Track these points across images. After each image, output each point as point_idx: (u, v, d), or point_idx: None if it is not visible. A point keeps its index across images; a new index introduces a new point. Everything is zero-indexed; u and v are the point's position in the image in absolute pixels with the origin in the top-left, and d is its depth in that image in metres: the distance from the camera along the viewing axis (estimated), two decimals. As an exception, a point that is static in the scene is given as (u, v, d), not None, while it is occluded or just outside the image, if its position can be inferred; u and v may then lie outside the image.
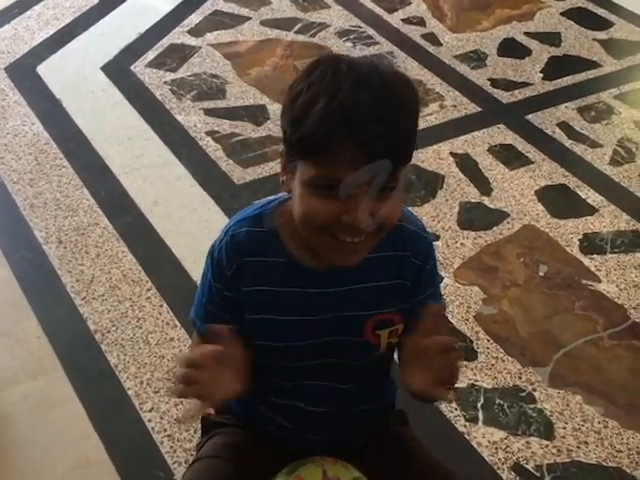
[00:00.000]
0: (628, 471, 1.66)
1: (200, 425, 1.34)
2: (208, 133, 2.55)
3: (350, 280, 1.11)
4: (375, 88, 0.97)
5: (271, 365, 1.15)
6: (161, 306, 1.98)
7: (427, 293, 1.15)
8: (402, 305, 1.13)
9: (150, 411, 1.74)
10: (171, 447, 1.68)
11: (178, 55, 2.93)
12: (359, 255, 1.04)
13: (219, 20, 3.15)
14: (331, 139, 0.95)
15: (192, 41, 3.01)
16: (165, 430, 1.71)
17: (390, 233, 1.05)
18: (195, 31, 3.07)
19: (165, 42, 3.00)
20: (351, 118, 0.95)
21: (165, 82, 2.78)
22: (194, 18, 3.15)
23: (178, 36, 3.04)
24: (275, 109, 2.66)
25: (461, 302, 2.00)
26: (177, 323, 1.94)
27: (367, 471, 1.18)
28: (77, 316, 1.95)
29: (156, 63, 2.88)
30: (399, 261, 1.12)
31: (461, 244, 2.15)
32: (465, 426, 1.73)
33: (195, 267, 2.08)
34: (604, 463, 1.67)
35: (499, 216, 2.26)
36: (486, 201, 2.31)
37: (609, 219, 2.27)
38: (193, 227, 2.21)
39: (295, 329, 1.12)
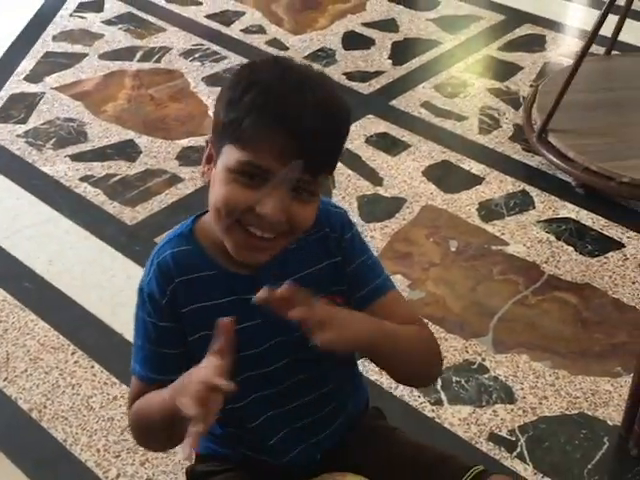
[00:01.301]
0: (590, 413, 1.75)
1: (186, 478, 1.29)
2: (82, 179, 2.43)
3: (284, 275, 1.08)
4: (319, 92, 1.00)
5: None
6: (92, 367, 1.87)
7: (359, 261, 1.15)
8: (340, 286, 1.13)
9: (117, 478, 1.64)
10: (152, 508, 1.60)
11: (22, 105, 2.77)
12: (267, 253, 1.05)
13: (54, 61, 3.00)
14: (265, 126, 0.97)
15: (32, 88, 2.86)
16: (140, 493, 1.62)
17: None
18: (32, 77, 2.92)
19: (3, 94, 2.83)
20: (290, 110, 0.97)
21: (18, 135, 2.62)
22: (26, 64, 2.99)
23: (16, 85, 2.88)
24: (143, 141, 2.58)
25: (389, 293, 2.02)
26: (115, 380, 1.84)
27: (359, 469, 1.18)
28: (4, 399, 1.80)
29: (1, 117, 2.71)
30: (322, 241, 1.13)
31: (371, 237, 2.18)
32: (433, 410, 1.76)
33: (115, 319, 1.98)
34: (567, 412, 1.75)
35: (397, 203, 2.31)
36: (381, 191, 2.36)
37: (496, 185, 2.38)
38: (99, 278, 2.11)
39: (243, 338, 1.08)
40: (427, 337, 1.18)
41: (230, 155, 1.00)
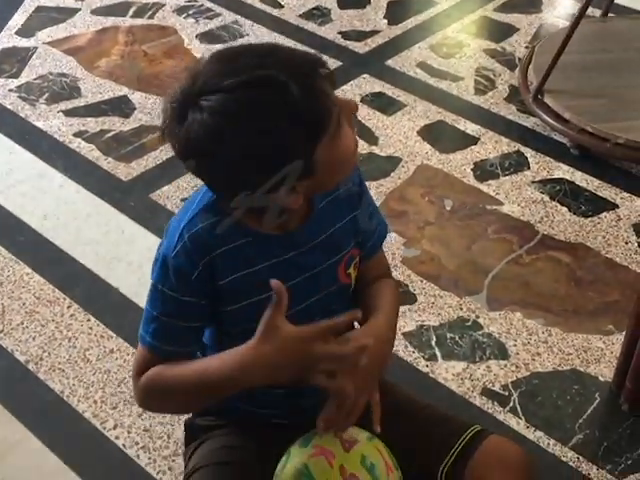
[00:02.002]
0: (582, 369, 1.77)
1: (184, 431, 1.30)
2: (76, 135, 2.41)
3: (318, 231, 1.13)
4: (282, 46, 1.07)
5: None
6: (88, 320, 1.88)
7: (369, 212, 1.21)
8: (357, 238, 1.19)
9: (115, 428, 1.66)
10: (149, 458, 1.61)
11: (15, 59, 2.74)
12: None
13: (46, 16, 2.96)
14: (318, 99, 0.99)
15: (24, 42, 2.82)
16: (137, 443, 1.63)
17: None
18: (24, 31, 2.88)
19: (-5, 48, 2.80)
20: (305, 69, 1.00)
21: (11, 90, 2.60)
22: (18, 18, 2.95)
23: (7, 39, 2.84)
24: (137, 97, 2.56)
25: (385, 251, 2.02)
26: (112, 334, 1.85)
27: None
28: (1, 351, 1.81)
29: (-7, 72, 2.68)
30: (348, 195, 1.16)
31: (367, 195, 2.18)
32: (427, 366, 1.78)
33: (111, 273, 1.99)
34: (559, 368, 1.78)
35: (392, 162, 2.31)
36: (376, 150, 2.36)
37: (491, 145, 2.38)
38: (94, 234, 2.10)
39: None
40: (398, 290, 1.28)
41: (328, 132, 1.00)
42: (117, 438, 1.64)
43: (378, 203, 2.15)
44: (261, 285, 1.07)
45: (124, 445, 1.63)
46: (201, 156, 1.00)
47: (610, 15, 2.77)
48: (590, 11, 2.68)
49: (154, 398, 1.13)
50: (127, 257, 2.03)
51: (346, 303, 1.19)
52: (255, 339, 1.01)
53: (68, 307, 1.91)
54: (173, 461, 1.60)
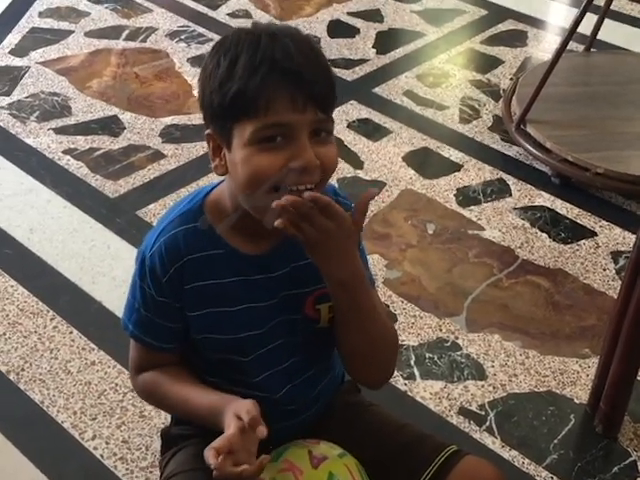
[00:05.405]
0: (558, 391, 1.80)
1: (161, 440, 1.31)
2: (65, 152, 2.44)
3: (290, 260, 1.13)
4: (293, 36, 1.02)
5: (220, 359, 1.16)
6: (71, 333, 1.89)
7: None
8: None
9: (93, 439, 1.67)
10: (127, 469, 1.61)
11: (7, 78, 2.77)
12: None
13: (40, 37, 3.01)
14: (264, 87, 0.98)
15: (18, 62, 2.86)
16: (115, 454, 1.64)
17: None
18: (18, 51, 2.92)
19: (-12, 67, 2.83)
20: (279, 62, 0.98)
21: (2, 107, 2.63)
22: (12, 38, 2.99)
23: (1, 58, 2.88)
24: (127, 117, 2.60)
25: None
26: (93, 346, 1.86)
27: (338, 444, 1.21)
28: (-18, 361, 1.82)
29: (-15, 89, 2.71)
30: None
31: (350, 218, 2.21)
32: (405, 384, 1.80)
33: (95, 287, 2.00)
34: (536, 389, 1.80)
35: (377, 186, 2.34)
36: (361, 174, 2.39)
37: (474, 172, 2.42)
38: (79, 248, 2.12)
39: (245, 319, 1.13)
40: (395, 332, 1.18)
41: (244, 131, 0.99)
42: (95, 449, 1.65)
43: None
44: (224, 298, 1.11)
45: (102, 456, 1.63)
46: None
47: (592, 50, 2.83)
48: (574, 46, 2.76)
49: (150, 402, 1.27)
50: (112, 272, 2.04)
51: (314, 340, 1.17)
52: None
53: (51, 319, 1.92)
54: (151, 472, 1.60)
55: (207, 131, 1.06)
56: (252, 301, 1.12)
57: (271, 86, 0.98)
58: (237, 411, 1.03)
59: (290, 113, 0.98)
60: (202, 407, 1.12)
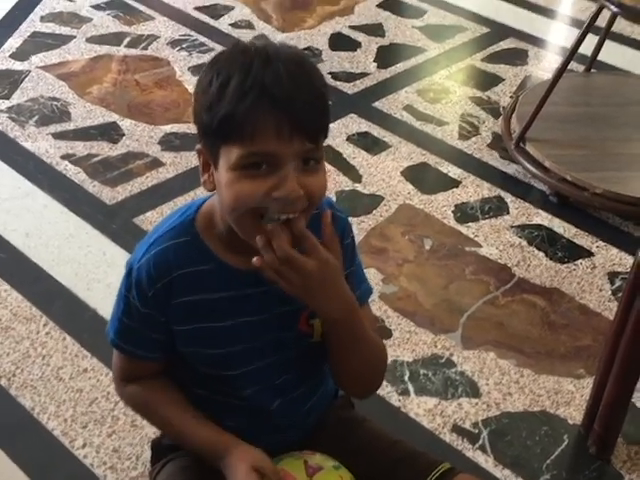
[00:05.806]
0: (551, 411, 1.79)
1: (151, 451, 1.30)
2: (63, 157, 2.43)
3: None
4: (287, 60, 0.99)
5: (208, 373, 1.15)
6: (64, 339, 1.88)
7: (351, 269, 1.15)
8: None
9: (83, 447, 1.65)
10: (117, 478, 1.60)
11: (7, 81, 2.77)
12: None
13: (41, 41, 3.00)
14: (252, 113, 0.96)
15: (18, 66, 2.86)
16: (105, 463, 1.62)
17: (312, 220, 1.04)
18: (19, 55, 2.92)
19: (-12, 70, 2.83)
20: (269, 89, 0.96)
21: (1, 110, 2.62)
22: (13, 42, 2.99)
23: (1, 62, 2.87)
24: (127, 124, 2.59)
25: (363, 285, 2.05)
26: (86, 353, 1.85)
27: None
28: (-26, 365, 1.81)
29: (-16, 92, 2.71)
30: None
31: (348, 231, 2.21)
32: (399, 400, 1.79)
33: (89, 294, 1.99)
34: (529, 409, 1.79)
35: (375, 200, 2.34)
36: (359, 187, 2.39)
37: (473, 189, 2.42)
38: (75, 254, 2.11)
39: (234, 333, 1.12)
40: (384, 346, 1.19)
41: (230, 154, 0.98)
42: (85, 457, 1.63)
43: (359, 239, 2.19)
44: (213, 312, 1.09)
45: (92, 464, 1.62)
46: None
47: (593, 71, 2.84)
48: (575, 66, 2.77)
49: (137, 412, 1.27)
50: (107, 279, 2.03)
51: (307, 354, 1.16)
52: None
53: (44, 325, 1.91)
54: (140, 482, 1.59)
55: (198, 146, 1.06)
56: (242, 316, 1.11)
57: (259, 113, 0.96)
58: (255, 464, 1.06)
59: (276, 142, 0.96)
60: (196, 438, 1.13)
